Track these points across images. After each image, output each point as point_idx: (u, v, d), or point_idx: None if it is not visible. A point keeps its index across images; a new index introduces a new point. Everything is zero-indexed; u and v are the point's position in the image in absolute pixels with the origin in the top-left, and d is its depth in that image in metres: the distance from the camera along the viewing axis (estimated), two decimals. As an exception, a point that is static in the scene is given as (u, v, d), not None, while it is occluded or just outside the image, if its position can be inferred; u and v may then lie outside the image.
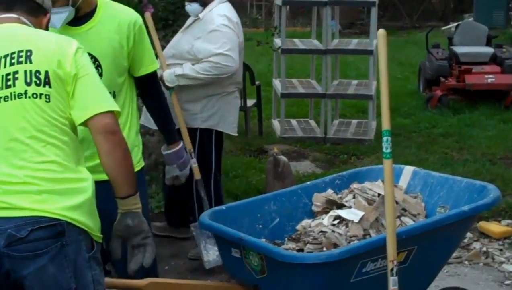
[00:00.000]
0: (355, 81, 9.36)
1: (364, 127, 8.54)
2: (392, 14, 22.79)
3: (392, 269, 3.17)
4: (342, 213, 3.71)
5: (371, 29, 8.32)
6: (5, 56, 2.61)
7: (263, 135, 8.51)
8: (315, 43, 9.08)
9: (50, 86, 2.57)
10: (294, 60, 13.12)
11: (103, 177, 2.74)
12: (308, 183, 4.13)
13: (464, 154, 7.57)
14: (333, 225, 3.67)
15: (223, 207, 3.84)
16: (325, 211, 3.85)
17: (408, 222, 3.68)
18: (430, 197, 3.90)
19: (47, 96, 2.56)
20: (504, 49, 10.68)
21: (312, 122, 9.02)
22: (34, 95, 2.55)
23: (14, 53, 2.60)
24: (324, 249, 3.49)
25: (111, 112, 2.65)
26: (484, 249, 5.13)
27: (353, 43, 9.20)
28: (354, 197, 3.85)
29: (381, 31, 3.37)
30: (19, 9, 2.73)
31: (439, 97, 9.68)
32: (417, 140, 8.21)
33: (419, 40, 14.25)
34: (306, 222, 3.82)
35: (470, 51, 10.32)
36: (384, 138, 3.25)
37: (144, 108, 4.41)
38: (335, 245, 3.47)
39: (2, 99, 2.56)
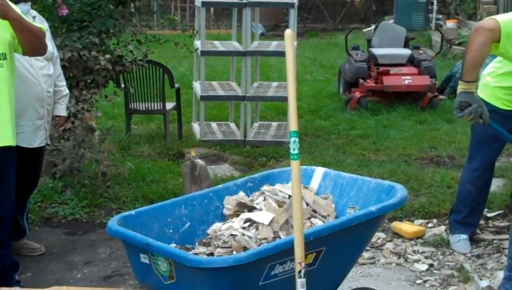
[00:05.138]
0: (275, 83, 9.37)
1: (284, 130, 8.56)
2: (316, 16, 22.99)
3: (300, 271, 3.17)
4: (252, 215, 3.70)
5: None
6: None
7: (183, 138, 8.45)
8: (235, 45, 9.06)
9: None
10: (215, 63, 13.12)
11: None
12: (220, 185, 4.11)
13: (381, 155, 7.66)
14: (244, 228, 3.65)
15: (132, 211, 3.78)
16: (237, 214, 3.83)
17: (318, 223, 3.69)
18: (341, 198, 3.92)
19: None
20: (421, 51, 10.87)
21: (232, 125, 9.00)
22: None
23: None
24: (234, 252, 3.47)
25: None
26: (397, 249, 5.19)
27: (273, 45, 9.21)
28: (265, 199, 3.84)
29: (288, 32, 3.37)
30: None
31: (358, 99, 9.78)
32: (336, 142, 8.27)
33: (341, 42, 14.41)
34: (217, 225, 3.80)
35: (388, 53, 10.46)
36: (292, 140, 3.25)
37: None
38: (245, 248, 3.45)
39: None
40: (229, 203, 3.90)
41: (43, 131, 4.91)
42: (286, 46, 3.31)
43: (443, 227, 5.57)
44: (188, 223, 3.81)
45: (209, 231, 3.77)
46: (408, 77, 9.92)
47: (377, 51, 10.51)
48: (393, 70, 10.06)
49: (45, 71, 4.87)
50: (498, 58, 4.97)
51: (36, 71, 4.77)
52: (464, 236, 5.22)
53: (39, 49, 4.40)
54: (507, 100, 4.95)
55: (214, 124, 8.99)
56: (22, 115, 4.66)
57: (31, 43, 4.27)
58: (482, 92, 5.05)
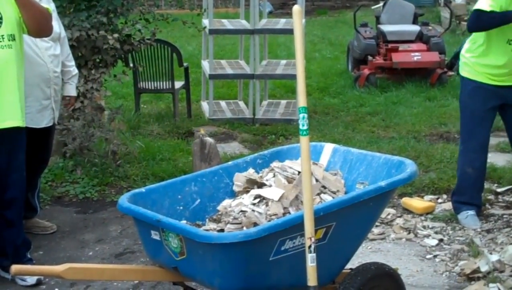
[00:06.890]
0: (283, 61, 9.36)
1: (293, 108, 8.55)
2: (324, -6, 22.87)
3: (310, 246, 3.18)
4: (262, 192, 3.70)
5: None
6: None
7: (192, 117, 8.46)
8: (243, 23, 9.03)
9: None
10: (224, 42, 13.09)
11: None
12: (230, 162, 4.11)
13: (390, 132, 7.66)
14: (253, 204, 3.66)
15: (142, 189, 3.79)
16: (246, 191, 3.84)
17: (328, 199, 3.69)
18: (350, 174, 3.92)
19: None
20: (430, 27, 10.82)
21: (241, 104, 9.00)
22: None
23: None
24: (244, 228, 3.47)
25: None
26: (407, 224, 5.19)
27: (281, 23, 9.18)
28: (274, 176, 3.85)
29: (296, 8, 3.36)
30: None
31: (367, 76, 9.76)
32: (345, 119, 8.27)
33: (349, 20, 14.34)
34: (227, 202, 3.81)
35: (397, 30, 10.42)
36: (301, 116, 3.25)
37: None
38: (255, 224, 3.46)
39: None
40: (239, 179, 3.90)
41: (50, 111, 4.92)
42: (294, 22, 3.30)
43: (453, 203, 5.57)
44: (198, 200, 3.82)
45: (219, 207, 3.78)
46: (417, 53, 9.88)
47: (386, 28, 10.47)
48: (402, 47, 10.03)
49: (51, 52, 4.88)
50: (472, 36, 5.03)
51: (42, 52, 4.78)
52: (471, 212, 5.22)
53: (44, 29, 4.37)
54: (490, 74, 4.96)
55: (223, 103, 8.99)
56: (29, 96, 4.66)
57: (36, 21, 4.25)
58: (464, 71, 5.09)
